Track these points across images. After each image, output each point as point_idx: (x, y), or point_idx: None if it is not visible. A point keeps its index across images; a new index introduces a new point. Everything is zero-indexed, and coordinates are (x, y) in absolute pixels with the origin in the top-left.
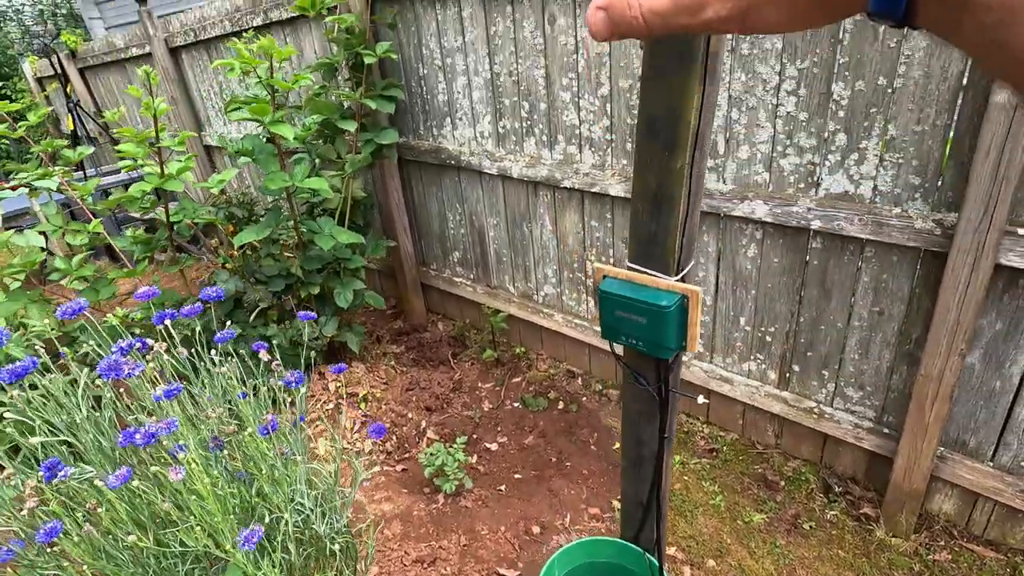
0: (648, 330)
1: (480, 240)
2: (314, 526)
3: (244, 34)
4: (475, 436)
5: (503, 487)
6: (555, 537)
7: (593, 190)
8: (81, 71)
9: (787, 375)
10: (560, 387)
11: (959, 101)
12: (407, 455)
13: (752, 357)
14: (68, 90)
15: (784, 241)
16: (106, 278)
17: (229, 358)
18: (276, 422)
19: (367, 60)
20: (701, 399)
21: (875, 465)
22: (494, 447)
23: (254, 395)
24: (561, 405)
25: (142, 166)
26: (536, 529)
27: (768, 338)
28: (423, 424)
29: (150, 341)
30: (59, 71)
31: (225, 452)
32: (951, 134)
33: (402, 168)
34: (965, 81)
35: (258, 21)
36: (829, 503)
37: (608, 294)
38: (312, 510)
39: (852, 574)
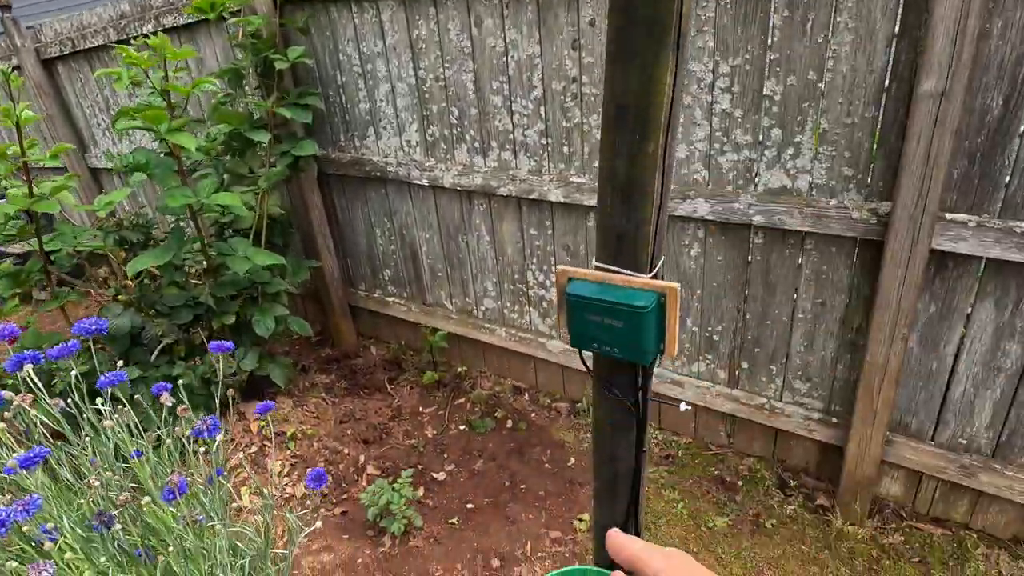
0: (624, 334)
1: (412, 256)
2: None
3: (133, 42)
4: (420, 467)
5: (455, 520)
6: (516, 569)
7: (531, 196)
8: None
9: (736, 373)
10: (507, 405)
11: (884, 93)
12: (345, 495)
13: (701, 358)
14: None
15: (727, 238)
16: None
17: (121, 407)
18: (185, 482)
19: (278, 66)
20: (684, 406)
21: (827, 456)
22: (442, 477)
23: (155, 450)
24: (509, 424)
25: (5, 187)
26: (496, 562)
27: (716, 337)
28: (361, 459)
29: (7, 393)
30: None
31: (118, 528)
32: (878, 126)
33: (323, 183)
34: (889, 73)
35: (149, 28)
36: (786, 498)
37: (577, 298)
38: None
39: (817, 568)
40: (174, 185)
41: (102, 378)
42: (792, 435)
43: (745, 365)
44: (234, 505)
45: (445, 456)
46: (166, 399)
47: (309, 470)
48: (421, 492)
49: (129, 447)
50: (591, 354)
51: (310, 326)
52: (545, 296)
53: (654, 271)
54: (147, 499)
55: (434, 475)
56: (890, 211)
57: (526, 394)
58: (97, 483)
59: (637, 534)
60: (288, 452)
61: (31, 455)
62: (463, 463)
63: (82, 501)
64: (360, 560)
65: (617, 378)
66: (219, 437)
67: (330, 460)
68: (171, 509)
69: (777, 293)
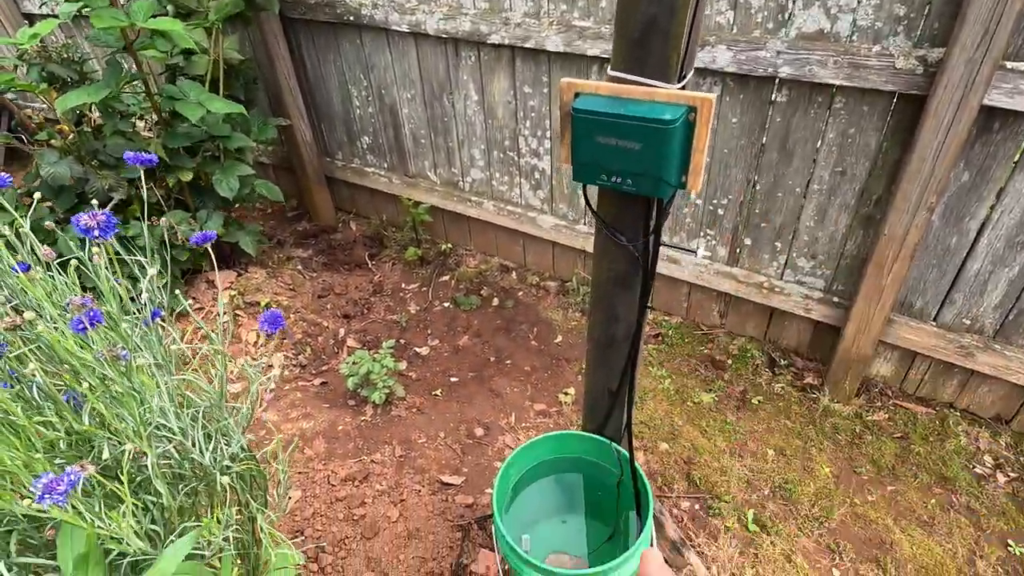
0: (642, 159)
1: (393, 120)
2: (193, 455)
3: None
4: (403, 341)
5: (439, 391)
6: (500, 438)
7: (526, 45)
8: None
9: (738, 250)
10: (493, 283)
11: None
12: (325, 367)
13: (702, 233)
14: None
15: (745, 96)
16: None
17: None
18: (99, 312)
19: None
20: (702, 253)
21: (820, 336)
22: (425, 351)
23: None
24: (496, 302)
25: None
26: (479, 431)
27: (720, 211)
28: (341, 332)
29: None
30: None
31: (11, 358)
32: None
33: (289, 31)
34: None
35: None
36: (775, 377)
37: (586, 114)
38: (185, 434)
39: (800, 441)
40: (102, 5)
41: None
42: (788, 315)
43: (748, 241)
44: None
45: (428, 332)
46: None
47: (260, 315)
48: (404, 365)
49: (7, 262)
50: (596, 193)
51: (285, 199)
52: (538, 166)
53: (683, 81)
54: (40, 321)
55: (417, 350)
56: (942, 58)
57: (514, 273)
58: None
59: (631, 401)
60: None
61: None
62: (447, 339)
63: None
64: (340, 427)
65: (625, 222)
66: (152, 269)
67: (308, 333)
68: (80, 341)
69: (794, 161)
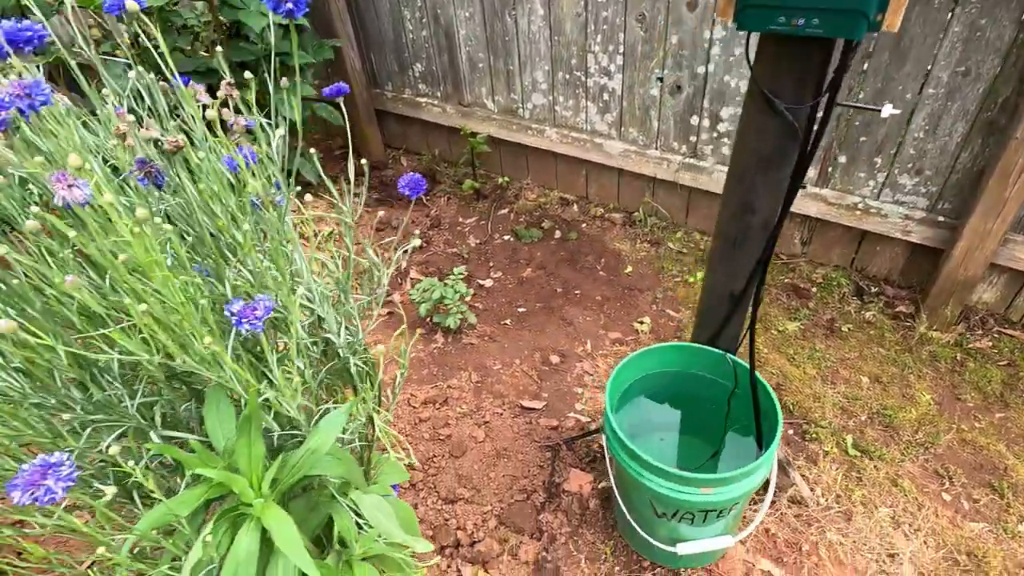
0: None
1: (448, 43)
2: (329, 335)
3: None
4: (466, 273)
5: (507, 321)
6: (578, 364)
7: None
8: None
9: (829, 169)
10: (554, 216)
11: None
12: (388, 298)
13: None
14: None
15: None
16: None
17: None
18: (253, 152)
19: None
20: (888, 109)
21: (917, 260)
22: (489, 283)
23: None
24: (558, 234)
25: None
26: (555, 359)
27: None
28: (403, 264)
29: None
30: None
31: (168, 186)
32: None
33: None
34: None
35: None
36: (864, 305)
37: None
38: (325, 310)
39: (896, 368)
40: None
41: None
42: (882, 239)
43: (842, 159)
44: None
45: (491, 264)
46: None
47: (400, 177)
48: (469, 296)
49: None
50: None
51: (331, 136)
52: (608, 86)
53: None
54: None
55: (480, 282)
56: None
57: (575, 205)
58: (130, 117)
59: (757, 304)
60: (329, 253)
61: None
62: (510, 271)
63: (110, 143)
64: (414, 354)
65: (788, 83)
66: (280, 131)
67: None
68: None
69: (907, 63)
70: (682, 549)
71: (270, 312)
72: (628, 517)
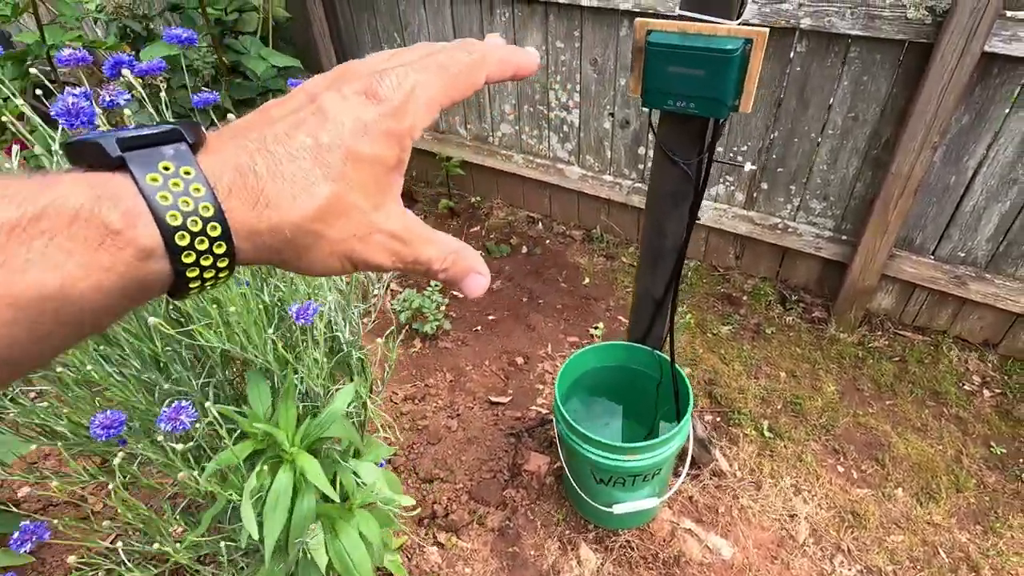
0: (705, 84)
1: None
2: (337, 332)
3: None
4: (439, 285)
5: (479, 327)
6: (540, 365)
7: (561, 1)
8: None
9: (755, 195)
10: (521, 233)
11: None
12: (370, 308)
13: (722, 180)
14: None
15: (768, 47)
16: None
17: None
18: None
19: None
20: (749, 166)
21: (828, 272)
22: (461, 295)
23: None
24: (525, 250)
25: None
26: (520, 360)
27: (740, 158)
28: (385, 276)
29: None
30: None
31: None
32: None
33: None
34: None
35: None
36: (786, 311)
37: (659, 47)
38: (334, 311)
39: (808, 365)
40: None
41: (196, 97)
42: (799, 254)
43: (765, 186)
44: None
45: None
46: None
47: None
48: (446, 303)
49: None
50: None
51: None
52: (567, 119)
53: (741, 17)
54: None
55: (454, 293)
56: (950, 7)
57: (540, 223)
58: None
59: (674, 308)
60: None
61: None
62: None
63: None
64: (395, 357)
65: (682, 143)
66: None
67: (349, 279)
68: None
69: (811, 107)
70: (617, 509)
71: (316, 312)
72: (575, 486)
